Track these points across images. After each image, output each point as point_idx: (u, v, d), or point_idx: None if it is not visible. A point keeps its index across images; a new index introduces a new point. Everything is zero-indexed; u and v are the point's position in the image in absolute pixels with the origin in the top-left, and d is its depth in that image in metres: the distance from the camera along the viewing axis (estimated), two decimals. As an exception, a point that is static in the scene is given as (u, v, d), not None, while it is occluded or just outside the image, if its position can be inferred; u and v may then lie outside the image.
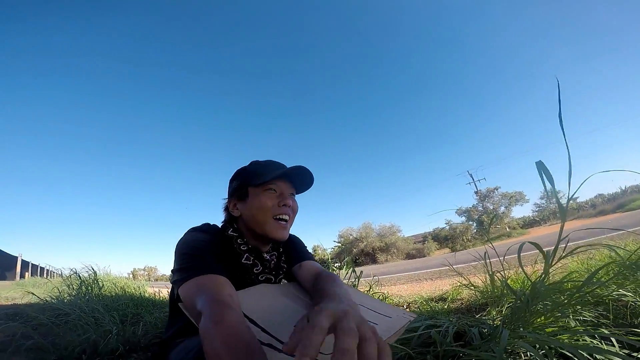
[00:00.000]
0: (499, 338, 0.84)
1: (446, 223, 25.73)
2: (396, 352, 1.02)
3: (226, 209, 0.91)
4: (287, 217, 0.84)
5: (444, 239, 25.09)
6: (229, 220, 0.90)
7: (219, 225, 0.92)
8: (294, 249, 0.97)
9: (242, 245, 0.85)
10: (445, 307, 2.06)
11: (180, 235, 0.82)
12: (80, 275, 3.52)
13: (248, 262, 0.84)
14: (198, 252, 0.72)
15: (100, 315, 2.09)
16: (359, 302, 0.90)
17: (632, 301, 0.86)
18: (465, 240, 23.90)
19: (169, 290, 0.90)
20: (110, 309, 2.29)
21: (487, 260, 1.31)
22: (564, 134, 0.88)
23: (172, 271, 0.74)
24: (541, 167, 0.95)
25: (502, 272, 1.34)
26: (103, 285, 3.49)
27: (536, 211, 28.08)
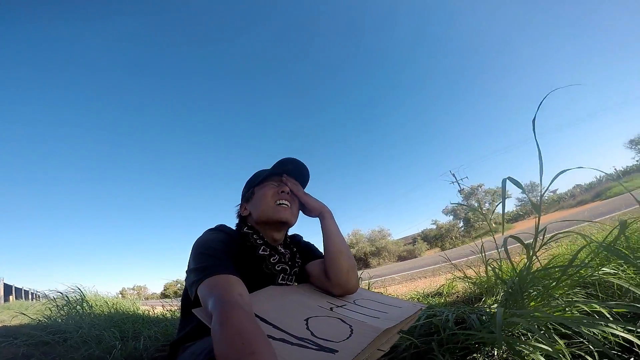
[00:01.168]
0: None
1: (433, 223, 26.22)
2: (401, 342, 1.08)
3: (238, 214, 1.03)
4: (286, 203, 0.95)
5: (433, 238, 25.46)
6: (241, 221, 1.01)
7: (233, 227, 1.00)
8: (308, 248, 1.07)
9: (258, 240, 0.93)
10: (442, 300, 2.13)
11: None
12: (69, 296, 3.42)
13: (265, 252, 0.91)
14: (213, 252, 0.76)
15: (100, 332, 2.06)
16: (367, 297, 0.96)
17: (616, 281, 0.95)
18: (453, 239, 24.34)
19: (182, 292, 0.93)
20: (110, 325, 2.25)
21: (483, 253, 1.40)
22: (536, 140, 0.96)
23: (187, 271, 0.77)
24: (512, 181, 0.99)
25: (497, 262, 1.43)
26: (93, 305, 3.41)
27: (519, 205, 28.95)
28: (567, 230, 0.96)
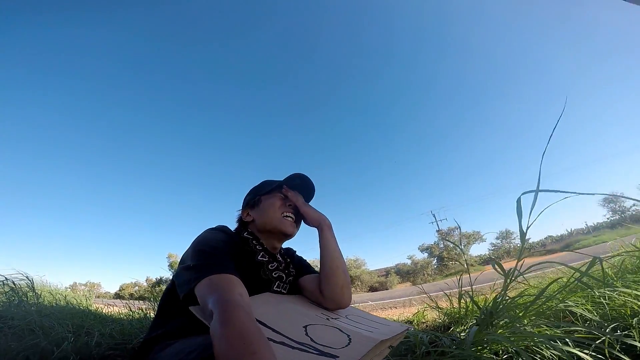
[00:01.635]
0: (472, 340, 0.94)
1: (408, 258, 26.63)
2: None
3: (239, 219, 1.05)
4: (292, 216, 0.98)
5: (407, 273, 25.70)
6: (241, 225, 1.03)
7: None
8: (302, 263, 1.09)
9: (257, 245, 0.94)
10: (412, 329, 2.16)
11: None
12: (15, 282, 3.13)
13: (264, 259, 0.92)
14: (214, 251, 0.76)
15: (50, 323, 1.90)
16: (357, 314, 1.00)
17: (579, 311, 1.03)
18: (425, 275, 24.63)
19: (166, 288, 0.89)
20: (62, 317, 2.09)
21: (460, 285, 1.47)
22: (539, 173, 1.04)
23: (183, 268, 0.75)
24: (518, 204, 1.06)
25: (469, 293, 1.49)
26: (43, 294, 3.15)
27: (491, 250, 29.89)
28: (546, 261, 1.04)
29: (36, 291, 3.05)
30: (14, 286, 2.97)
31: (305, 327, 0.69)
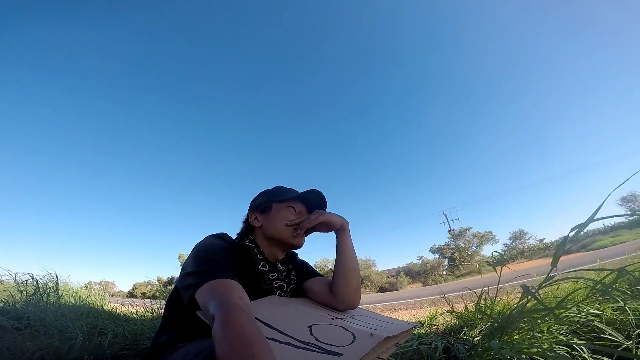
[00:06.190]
0: (483, 348, 0.91)
1: (419, 258, 26.33)
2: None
3: (245, 221, 1.02)
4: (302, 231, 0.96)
5: (417, 273, 25.41)
6: (245, 232, 1.00)
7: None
8: (305, 267, 1.08)
9: (258, 254, 0.93)
10: (423, 332, 2.11)
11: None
12: (39, 282, 3.22)
13: (264, 268, 0.91)
14: (214, 257, 0.76)
15: (64, 323, 1.95)
16: (363, 314, 0.99)
17: (597, 320, 0.97)
18: (437, 276, 24.27)
19: (170, 293, 0.89)
20: (76, 317, 2.13)
21: (482, 288, 1.42)
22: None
23: (185, 274, 0.76)
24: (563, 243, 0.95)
25: (485, 299, 1.45)
26: (63, 293, 3.22)
27: (505, 250, 29.15)
28: (572, 270, 0.98)
29: (59, 291, 3.13)
30: (37, 285, 3.05)
31: (309, 326, 0.71)
